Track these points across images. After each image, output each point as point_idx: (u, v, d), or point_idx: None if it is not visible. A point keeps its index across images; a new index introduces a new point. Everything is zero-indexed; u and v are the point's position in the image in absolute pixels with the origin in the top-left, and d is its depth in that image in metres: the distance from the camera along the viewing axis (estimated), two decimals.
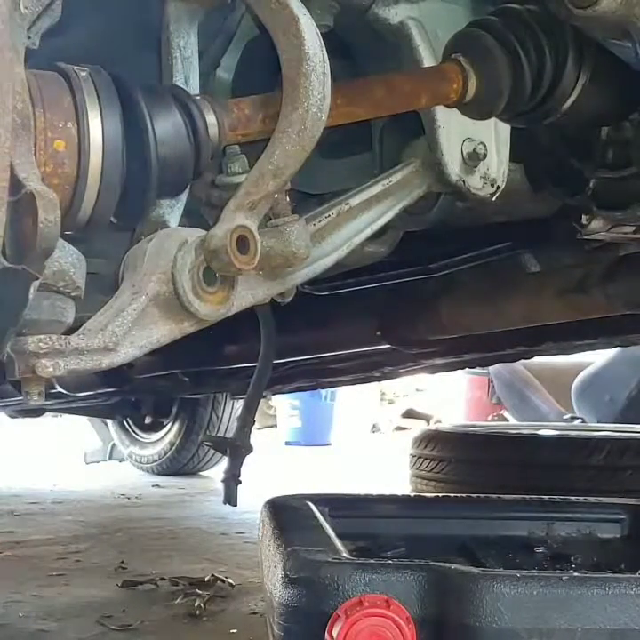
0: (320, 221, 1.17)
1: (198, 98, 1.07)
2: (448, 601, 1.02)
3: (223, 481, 2.34)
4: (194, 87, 1.15)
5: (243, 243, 1.01)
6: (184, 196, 1.13)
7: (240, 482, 2.32)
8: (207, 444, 2.58)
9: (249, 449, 2.37)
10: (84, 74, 0.96)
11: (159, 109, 1.01)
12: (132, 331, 0.99)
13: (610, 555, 1.43)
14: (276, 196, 1.07)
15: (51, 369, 0.93)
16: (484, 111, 1.23)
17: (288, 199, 1.09)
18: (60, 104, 0.93)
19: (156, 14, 1.16)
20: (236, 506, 2.35)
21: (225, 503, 2.34)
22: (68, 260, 0.95)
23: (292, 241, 1.07)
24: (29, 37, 0.97)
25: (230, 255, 0.99)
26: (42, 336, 0.94)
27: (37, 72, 0.95)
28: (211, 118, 1.05)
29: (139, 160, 0.98)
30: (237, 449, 2.36)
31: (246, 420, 2.40)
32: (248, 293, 1.08)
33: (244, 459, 2.36)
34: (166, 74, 1.15)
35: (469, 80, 1.19)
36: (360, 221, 1.21)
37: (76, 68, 0.97)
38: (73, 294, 0.97)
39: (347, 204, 1.20)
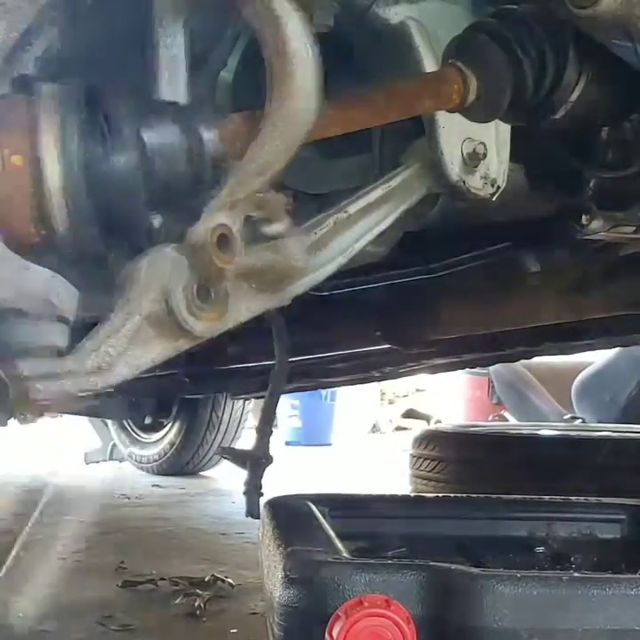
0: (319, 230, 1.16)
1: (194, 112, 1.07)
2: (448, 601, 1.02)
3: (245, 493, 2.31)
4: (180, 85, 1.15)
5: (224, 241, 1.00)
6: None
7: (262, 494, 2.28)
8: (224, 456, 2.54)
9: (269, 460, 2.34)
10: (48, 89, 0.96)
11: (153, 122, 1.01)
12: (127, 351, 0.98)
13: (610, 555, 1.43)
14: (274, 209, 1.06)
15: (45, 393, 0.94)
16: (487, 113, 1.23)
17: (286, 212, 1.09)
18: (19, 122, 0.94)
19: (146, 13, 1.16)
20: (258, 518, 2.30)
21: (247, 516, 2.30)
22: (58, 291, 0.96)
23: (289, 254, 1.07)
24: (24, 65, 0.99)
25: (211, 253, 0.99)
26: (36, 359, 0.94)
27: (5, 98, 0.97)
28: (207, 132, 1.04)
29: (125, 174, 0.98)
30: (257, 460, 2.33)
31: (265, 430, 2.37)
32: (244, 308, 1.07)
33: (264, 470, 2.33)
34: (152, 72, 1.14)
35: (470, 83, 1.18)
36: (360, 227, 1.20)
37: (44, 83, 0.97)
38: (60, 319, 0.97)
39: (346, 211, 1.19)
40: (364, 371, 3.13)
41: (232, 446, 4.57)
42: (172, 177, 1.01)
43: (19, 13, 1.01)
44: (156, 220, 1.11)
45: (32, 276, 0.94)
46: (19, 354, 0.94)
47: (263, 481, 2.30)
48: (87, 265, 1.18)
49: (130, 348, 0.99)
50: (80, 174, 0.94)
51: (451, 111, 1.22)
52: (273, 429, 2.38)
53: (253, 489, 2.29)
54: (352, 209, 1.20)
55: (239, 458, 2.44)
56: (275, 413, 2.42)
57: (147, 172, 0.99)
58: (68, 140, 0.94)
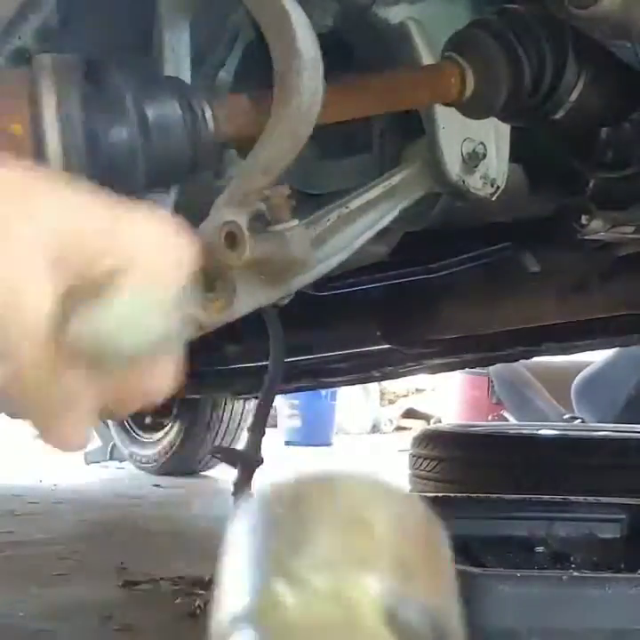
0: (321, 226, 1.17)
1: (195, 90, 1.07)
2: None
3: (233, 494, 2.31)
4: (185, 81, 1.15)
5: (231, 239, 1.01)
6: (174, 190, 1.13)
7: (251, 494, 2.28)
8: (215, 455, 2.55)
9: (260, 460, 2.34)
10: (47, 60, 0.96)
11: (153, 96, 1.00)
12: None
13: (610, 554, 1.43)
14: (277, 201, 1.07)
15: None
16: (483, 109, 1.23)
17: (289, 204, 1.09)
18: (18, 92, 0.94)
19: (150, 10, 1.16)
20: None
21: None
22: None
23: (292, 247, 1.07)
24: (20, 38, 0.99)
25: (219, 253, 0.99)
26: None
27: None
28: (207, 110, 1.04)
29: (124, 146, 0.98)
30: (248, 460, 2.33)
31: (257, 430, 2.37)
32: (249, 299, 1.08)
33: (254, 470, 2.33)
34: (157, 68, 1.15)
35: (467, 77, 1.18)
36: (361, 224, 1.21)
37: (45, 54, 0.97)
38: None
39: (347, 207, 1.20)
40: (365, 371, 3.13)
41: (226, 446, 4.56)
42: (170, 152, 1.01)
43: None
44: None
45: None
46: None
47: (253, 481, 2.30)
48: None
49: None
50: (80, 144, 0.94)
51: (447, 105, 1.23)
52: (265, 429, 2.38)
53: (242, 490, 2.29)
54: (353, 205, 1.21)
55: (230, 457, 2.44)
56: (268, 413, 2.42)
57: (145, 145, 0.98)
58: (70, 111, 0.93)
